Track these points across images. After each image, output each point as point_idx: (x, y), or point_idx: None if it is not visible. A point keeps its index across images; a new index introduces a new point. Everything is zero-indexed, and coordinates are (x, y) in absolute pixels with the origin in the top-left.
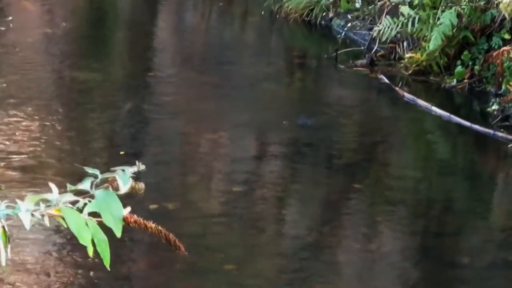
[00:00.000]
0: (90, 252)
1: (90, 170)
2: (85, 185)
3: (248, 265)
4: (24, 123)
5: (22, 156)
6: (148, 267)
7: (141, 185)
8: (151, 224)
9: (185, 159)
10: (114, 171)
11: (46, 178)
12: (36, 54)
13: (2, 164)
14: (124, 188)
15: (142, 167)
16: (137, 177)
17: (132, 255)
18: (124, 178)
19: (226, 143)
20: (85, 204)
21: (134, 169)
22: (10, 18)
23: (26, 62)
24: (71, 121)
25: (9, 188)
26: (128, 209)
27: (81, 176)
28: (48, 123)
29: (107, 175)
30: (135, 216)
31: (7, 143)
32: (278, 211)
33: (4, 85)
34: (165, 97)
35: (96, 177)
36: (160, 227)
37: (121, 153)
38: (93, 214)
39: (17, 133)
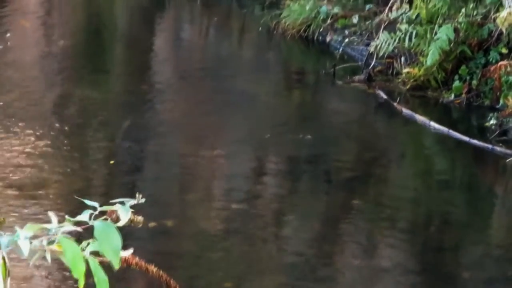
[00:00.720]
0: (81, 285)
1: (89, 202)
2: (83, 216)
3: (248, 282)
4: (22, 141)
5: (21, 174)
6: None
7: (139, 218)
8: (152, 268)
9: (183, 176)
10: (113, 203)
11: (45, 197)
12: (34, 72)
13: (0, 183)
14: (123, 221)
15: (142, 200)
16: (136, 194)
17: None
18: (124, 210)
19: (224, 159)
20: (88, 243)
21: (133, 201)
22: (8, 36)
23: (24, 80)
24: (70, 138)
25: (7, 210)
26: (131, 250)
27: (80, 195)
28: (46, 141)
29: (106, 207)
30: (137, 258)
31: (6, 161)
32: (277, 228)
33: (1, 103)
34: (164, 113)
35: (95, 209)
36: (161, 272)
37: (111, 162)
38: (95, 254)
39: (15, 151)
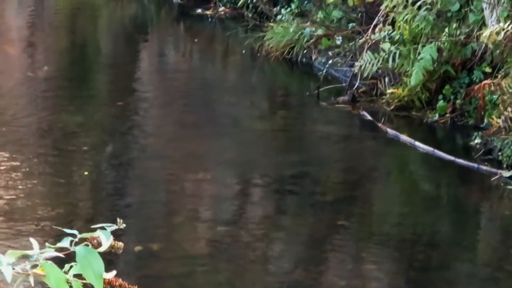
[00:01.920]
0: None
1: (68, 230)
2: (64, 243)
3: None
4: (5, 167)
5: (3, 200)
6: None
7: (120, 244)
8: None
9: (169, 200)
10: (94, 229)
11: (26, 224)
12: (17, 98)
13: None
14: (104, 246)
15: (123, 225)
16: (122, 219)
17: None
18: (105, 235)
19: (209, 182)
20: (71, 266)
21: (114, 226)
22: None
23: (7, 106)
24: (53, 163)
25: None
26: (114, 272)
27: (64, 221)
28: (29, 166)
29: (86, 235)
30: (120, 280)
31: None
32: (263, 250)
33: None
34: (148, 137)
35: (75, 236)
36: None
37: (85, 173)
38: (78, 277)
39: None
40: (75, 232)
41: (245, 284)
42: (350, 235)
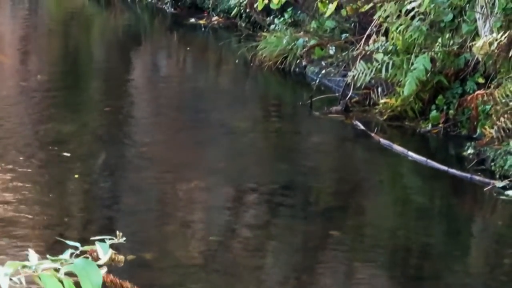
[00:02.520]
0: None
1: (70, 243)
2: (65, 256)
3: None
4: None
5: None
6: None
7: (121, 257)
8: (127, 284)
9: (162, 208)
10: (94, 241)
11: (21, 233)
12: (11, 106)
13: None
14: (103, 259)
15: (122, 238)
16: (117, 232)
17: None
18: (104, 249)
19: (202, 191)
20: (61, 262)
21: (114, 240)
22: None
23: (1, 116)
24: (47, 173)
25: None
26: (105, 269)
27: (58, 230)
28: (22, 175)
29: (87, 247)
30: (111, 275)
31: None
32: (255, 260)
33: None
34: (141, 146)
35: (76, 248)
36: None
37: (76, 176)
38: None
39: None
40: (77, 244)
41: None
42: (342, 245)
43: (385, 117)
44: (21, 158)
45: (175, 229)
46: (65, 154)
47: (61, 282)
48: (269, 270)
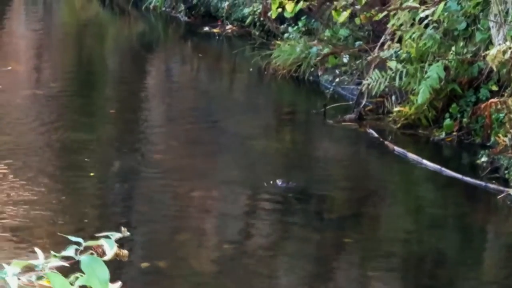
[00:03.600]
0: None
1: (73, 238)
2: (69, 252)
3: None
4: (13, 184)
5: (13, 217)
6: None
7: (125, 252)
8: None
9: (175, 217)
10: (99, 237)
11: (35, 239)
12: (25, 115)
13: None
14: (109, 254)
15: (127, 233)
16: (128, 236)
17: None
18: (109, 244)
19: (216, 200)
20: (77, 278)
21: (118, 235)
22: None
23: (16, 123)
24: (61, 181)
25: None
26: (119, 283)
27: (64, 236)
28: (37, 183)
29: (91, 243)
30: None
31: None
32: (269, 268)
33: None
34: (155, 154)
35: (79, 244)
36: None
37: (91, 174)
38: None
39: (6, 194)
40: (80, 240)
41: None
42: (356, 253)
43: (398, 125)
44: (35, 165)
45: (189, 237)
46: (79, 161)
47: None
48: (283, 278)
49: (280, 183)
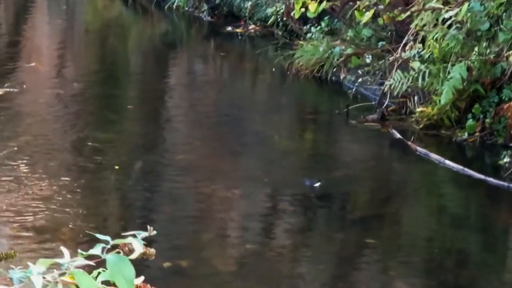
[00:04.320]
0: None
1: (101, 236)
2: (96, 250)
3: None
4: (36, 184)
5: (35, 216)
6: None
7: (152, 251)
8: None
9: (198, 216)
10: (125, 236)
11: (59, 238)
12: (48, 114)
13: (15, 225)
14: (135, 253)
15: (153, 232)
16: (148, 226)
17: None
18: (136, 243)
19: (238, 199)
20: (99, 273)
21: (145, 234)
22: (23, 79)
23: (38, 123)
24: (84, 180)
25: (22, 251)
26: (142, 278)
27: (92, 234)
28: (60, 183)
29: (118, 241)
30: (148, 285)
31: (21, 203)
32: (292, 267)
33: (15, 148)
34: (177, 154)
35: (107, 243)
36: None
37: (116, 167)
38: (107, 283)
39: (29, 193)
40: (107, 238)
41: None
42: (378, 253)
43: (421, 125)
44: (57, 165)
45: (212, 237)
46: (101, 160)
47: None
48: (306, 278)
49: (308, 182)
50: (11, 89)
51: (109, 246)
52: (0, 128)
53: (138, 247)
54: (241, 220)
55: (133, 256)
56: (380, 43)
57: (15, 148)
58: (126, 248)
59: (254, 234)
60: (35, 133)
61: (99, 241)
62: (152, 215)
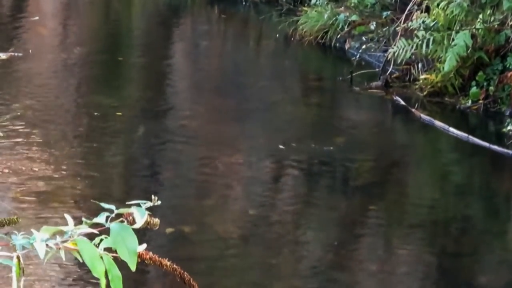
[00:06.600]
0: (103, 285)
1: (105, 205)
2: (100, 219)
3: (265, 287)
4: (39, 148)
5: (38, 181)
6: None
7: (156, 220)
8: (166, 262)
9: (200, 183)
10: (129, 205)
11: (61, 204)
12: (51, 79)
13: (19, 189)
14: (139, 223)
15: (158, 202)
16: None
17: None
18: (140, 212)
19: (241, 166)
20: (101, 240)
21: (149, 203)
22: (26, 44)
23: (42, 88)
24: (87, 146)
25: (25, 217)
26: (144, 245)
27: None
28: (63, 148)
29: (122, 210)
30: (151, 253)
31: (23, 168)
32: (294, 233)
33: (19, 113)
34: (181, 120)
35: (111, 211)
36: (175, 265)
37: (118, 114)
38: (109, 250)
39: (31, 158)
40: (112, 207)
41: (275, 268)
42: (381, 220)
43: (425, 93)
44: (61, 130)
45: (214, 203)
46: (104, 127)
47: (101, 258)
48: (308, 244)
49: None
50: (16, 54)
51: (113, 215)
52: (4, 92)
53: (142, 217)
54: (244, 187)
55: (137, 225)
56: (385, 13)
57: (19, 113)
58: (131, 217)
59: (257, 201)
60: (37, 98)
61: (103, 209)
62: (155, 181)
